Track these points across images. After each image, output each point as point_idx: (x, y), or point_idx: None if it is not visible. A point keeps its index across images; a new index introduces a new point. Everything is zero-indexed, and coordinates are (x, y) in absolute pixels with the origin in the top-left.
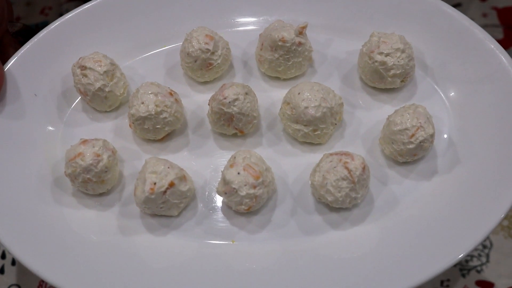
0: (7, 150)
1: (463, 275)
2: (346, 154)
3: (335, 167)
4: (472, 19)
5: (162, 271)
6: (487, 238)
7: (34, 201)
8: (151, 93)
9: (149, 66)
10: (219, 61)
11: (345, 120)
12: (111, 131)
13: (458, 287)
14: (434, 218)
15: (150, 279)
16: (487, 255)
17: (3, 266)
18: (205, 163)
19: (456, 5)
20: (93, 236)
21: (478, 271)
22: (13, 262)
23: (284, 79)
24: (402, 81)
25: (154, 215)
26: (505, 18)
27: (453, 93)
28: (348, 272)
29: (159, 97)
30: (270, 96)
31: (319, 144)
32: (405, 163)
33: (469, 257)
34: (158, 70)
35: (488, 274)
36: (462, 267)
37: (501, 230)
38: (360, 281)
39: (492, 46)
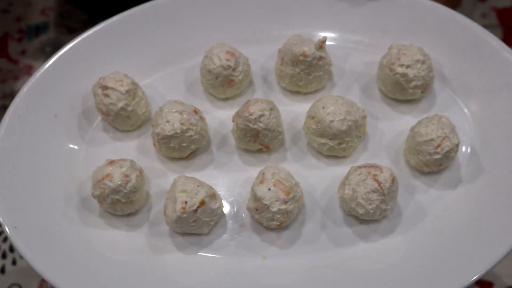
0: (31, 172)
1: None
2: (374, 166)
3: (364, 179)
4: (472, 19)
5: None
6: None
7: (62, 223)
8: (175, 112)
9: (168, 84)
10: (240, 77)
11: (367, 132)
12: (134, 150)
13: None
14: (461, 228)
15: None
16: None
17: (3, 266)
18: (231, 179)
19: None
20: (122, 257)
21: None
22: (14, 261)
23: (305, 93)
24: (422, 92)
25: (184, 234)
26: (504, 19)
27: (472, 103)
28: (378, 284)
29: (184, 115)
30: (292, 111)
31: (344, 157)
32: (430, 173)
33: None
34: (178, 88)
35: (487, 274)
36: None
37: None
38: None
39: (508, 56)
